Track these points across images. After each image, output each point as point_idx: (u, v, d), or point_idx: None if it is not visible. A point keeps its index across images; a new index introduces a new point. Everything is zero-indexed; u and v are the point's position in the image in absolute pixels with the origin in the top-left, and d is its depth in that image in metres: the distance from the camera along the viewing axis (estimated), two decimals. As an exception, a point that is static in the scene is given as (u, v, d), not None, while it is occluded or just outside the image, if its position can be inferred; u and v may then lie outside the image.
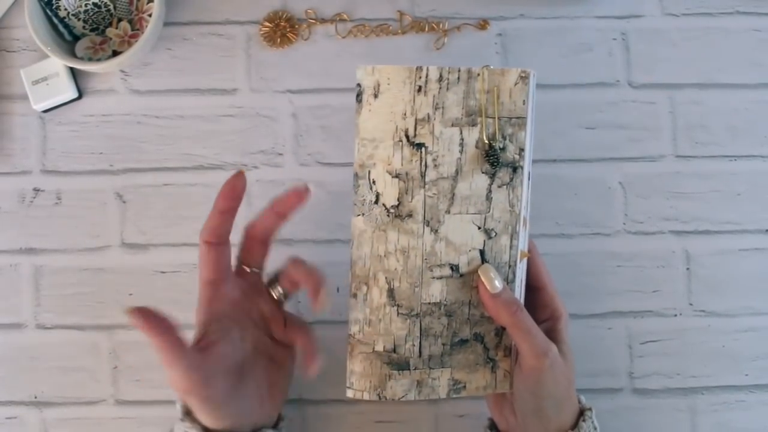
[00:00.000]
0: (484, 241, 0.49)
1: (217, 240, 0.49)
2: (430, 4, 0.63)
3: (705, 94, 0.63)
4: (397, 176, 0.47)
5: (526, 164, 0.49)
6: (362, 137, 0.47)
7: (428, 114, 0.47)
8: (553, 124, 0.62)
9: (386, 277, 0.48)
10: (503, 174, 0.48)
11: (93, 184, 0.62)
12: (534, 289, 0.52)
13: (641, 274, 0.61)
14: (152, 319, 0.45)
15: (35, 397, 0.60)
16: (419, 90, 0.47)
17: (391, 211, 0.48)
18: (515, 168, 0.48)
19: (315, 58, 0.63)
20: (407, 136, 0.47)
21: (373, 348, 0.49)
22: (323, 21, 0.63)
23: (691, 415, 0.60)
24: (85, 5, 0.62)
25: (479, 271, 0.48)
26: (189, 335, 0.61)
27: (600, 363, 0.61)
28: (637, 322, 0.61)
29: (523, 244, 0.50)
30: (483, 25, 0.63)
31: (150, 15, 0.60)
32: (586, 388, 0.60)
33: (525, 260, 0.50)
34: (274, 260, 0.61)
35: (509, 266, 0.49)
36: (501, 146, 0.48)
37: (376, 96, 0.47)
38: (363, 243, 0.48)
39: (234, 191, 0.49)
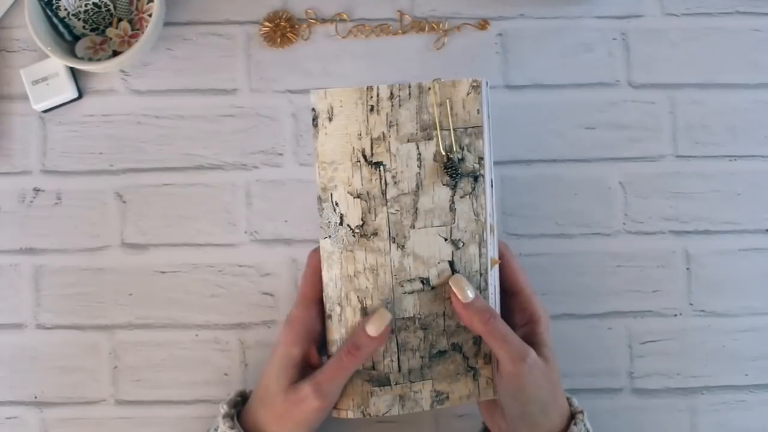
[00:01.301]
0: (452, 252, 0.49)
1: None
2: (430, 4, 0.63)
3: (705, 94, 0.63)
4: (358, 196, 0.48)
5: (487, 172, 0.49)
6: (321, 161, 0.48)
7: (383, 132, 0.48)
8: (553, 124, 0.62)
9: (358, 296, 0.49)
10: (465, 184, 0.49)
11: (93, 184, 0.62)
12: (511, 293, 0.52)
13: (641, 274, 0.61)
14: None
15: (35, 397, 0.60)
16: (372, 109, 0.47)
17: (356, 231, 0.48)
18: (476, 177, 0.49)
19: (315, 58, 0.63)
20: (364, 156, 0.48)
21: None
22: (323, 21, 0.63)
23: (691, 415, 0.60)
24: (85, 5, 0.62)
25: (450, 282, 0.48)
26: (185, 335, 0.61)
27: (600, 363, 0.61)
28: (637, 322, 0.61)
29: (492, 251, 0.50)
30: (483, 25, 0.63)
31: (150, 15, 0.60)
32: (586, 388, 0.60)
33: (497, 267, 0.50)
34: (274, 261, 0.61)
35: (480, 274, 0.49)
36: (459, 157, 0.48)
37: (330, 119, 0.48)
38: (332, 265, 0.49)
39: None
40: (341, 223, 0.48)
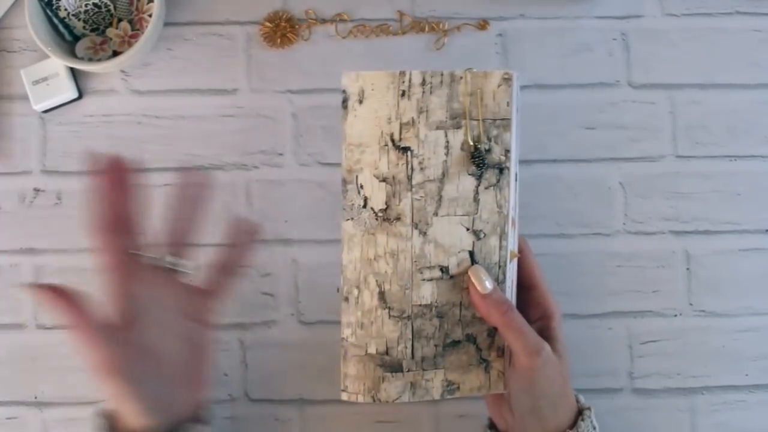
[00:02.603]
0: (473, 242, 0.49)
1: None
2: (430, 4, 0.63)
3: (705, 94, 0.63)
4: (384, 180, 0.48)
5: (513, 165, 0.49)
6: (349, 143, 0.48)
7: (413, 118, 0.48)
8: (553, 124, 0.62)
9: (377, 280, 0.49)
10: (490, 175, 0.49)
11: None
12: (526, 288, 0.52)
13: (641, 274, 0.61)
14: (65, 295, 0.44)
15: (35, 397, 0.60)
16: (403, 94, 0.48)
17: (380, 214, 0.48)
18: (501, 169, 0.49)
19: (315, 58, 0.63)
20: (393, 140, 0.48)
21: (366, 350, 0.49)
22: (323, 21, 0.63)
23: (691, 415, 0.60)
24: (86, 5, 0.62)
25: (469, 272, 0.49)
26: (189, 335, 0.61)
27: (600, 363, 0.61)
28: (637, 322, 0.61)
29: (512, 244, 0.50)
30: (483, 25, 0.63)
31: (150, 15, 0.60)
32: (586, 388, 0.60)
33: (515, 260, 0.51)
34: (274, 261, 0.61)
35: (499, 266, 0.49)
36: (486, 148, 0.48)
37: (361, 102, 0.48)
38: (353, 247, 0.49)
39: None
40: (365, 206, 0.48)
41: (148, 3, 0.62)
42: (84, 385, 0.60)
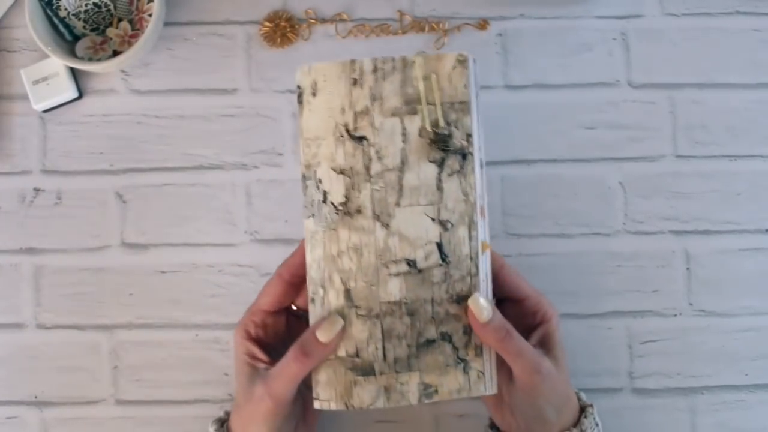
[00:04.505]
0: (440, 233, 0.47)
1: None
2: (430, 4, 0.63)
3: (705, 94, 0.63)
4: (341, 172, 0.46)
5: (476, 150, 0.47)
6: (305, 137, 0.47)
7: (366, 106, 0.46)
8: (553, 124, 0.62)
9: (341, 278, 0.46)
10: (452, 162, 0.46)
11: (93, 184, 0.62)
12: (518, 301, 0.51)
13: (641, 274, 0.61)
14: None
15: (35, 397, 0.60)
16: (355, 83, 0.46)
17: (340, 208, 0.46)
18: (464, 155, 0.46)
19: (315, 58, 0.63)
20: (347, 131, 0.46)
21: (336, 354, 0.47)
22: (323, 21, 0.63)
23: (691, 415, 0.60)
24: (86, 5, 0.62)
25: (469, 302, 0.47)
26: (185, 335, 0.61)
27: (600, 363, 0.61)
28: (637, 322, 0.61)
29: (483, 235, 0.48)
30: (483, 25, 0.63)
31: (150, 15, 0.60)
32: (586, 387, 0.60)
33: (488, 252, 0.48)
34: (274, 261, 0.61)
35: (471, 259, 0.47)
36: (446, 132, 0.46)
37: (314, 94, 0.46)
38: (316, 245, 0.47)
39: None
40: (324, 201, 0.46)
41: (148, 3, 0.62)
42: (84, 385, 0.60)
